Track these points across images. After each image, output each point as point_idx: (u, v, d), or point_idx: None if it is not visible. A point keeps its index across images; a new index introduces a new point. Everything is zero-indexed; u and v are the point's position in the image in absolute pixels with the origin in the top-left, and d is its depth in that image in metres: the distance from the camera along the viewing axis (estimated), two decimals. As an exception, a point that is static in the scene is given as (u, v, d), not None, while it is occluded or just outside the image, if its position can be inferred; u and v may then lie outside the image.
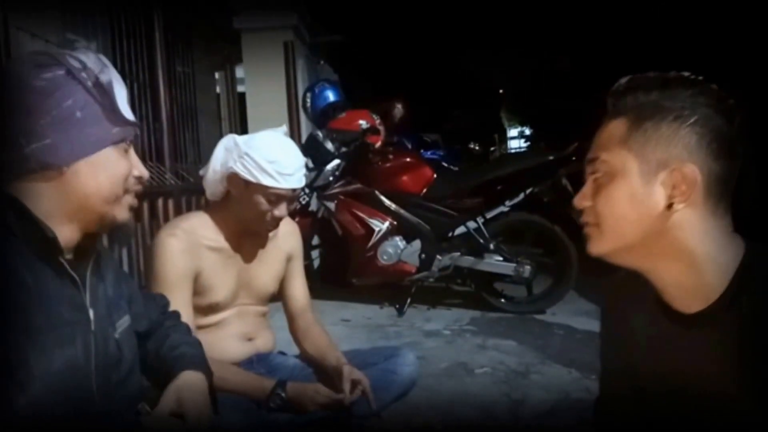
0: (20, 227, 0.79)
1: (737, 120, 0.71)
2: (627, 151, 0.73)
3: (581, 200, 0.78)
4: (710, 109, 0.70)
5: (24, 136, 0.78)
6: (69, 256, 0.84)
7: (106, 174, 0.84)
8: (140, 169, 0.90)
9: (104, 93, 0.83)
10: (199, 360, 1.05)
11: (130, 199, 0.89)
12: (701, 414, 0.72)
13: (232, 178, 1.43)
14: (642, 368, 0.80)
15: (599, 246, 0.77)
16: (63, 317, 0.81)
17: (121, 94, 0.86)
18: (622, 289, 0.86)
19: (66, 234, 0.83)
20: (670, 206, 0.71)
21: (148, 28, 3.30)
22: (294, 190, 1.42)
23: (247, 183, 1.40)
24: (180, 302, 1.34)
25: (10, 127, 0.79)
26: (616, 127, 0.75)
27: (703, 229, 0.71)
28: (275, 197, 1.41)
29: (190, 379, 0.98)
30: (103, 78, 0.84)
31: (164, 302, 1.19)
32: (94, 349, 0.85)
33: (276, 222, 1.46)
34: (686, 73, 0.73)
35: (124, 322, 0.95)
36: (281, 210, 1.43)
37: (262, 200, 1.41)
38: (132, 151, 0.89)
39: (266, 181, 1.38)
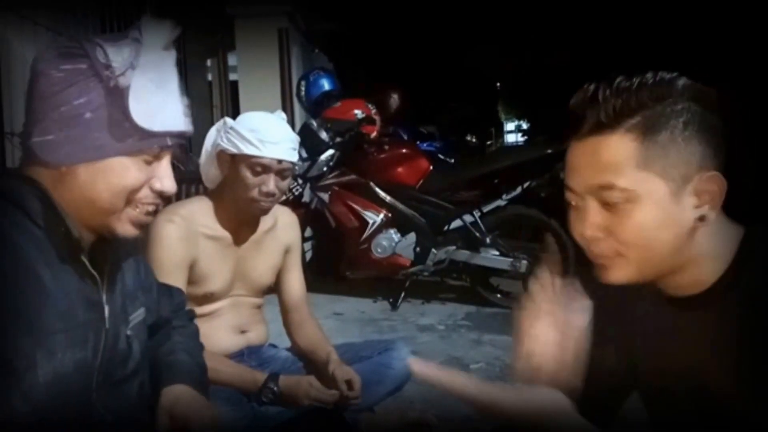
0: (45, 219, 0.76)
1: (722, 110, 0.69)
2: (647, 172, 0.66)
3: (594, 232, 0.70)
4: (699, 106, 0.67)
5: (31, 126, 0.75)
6: (88, 252, 0.81)
7: (107, 184, 0.76)
8: (163, 183, 0.80)
9: (117, 98, 0.74)
10: (191, 371, 0.98)
11: (136, 214, 0.80)
12: (703, 400, 0.72)
13: (221, 156, 1.42)
14: (644, 356, 0.79)
15: (628, 274, 0.71)
16: (78, 317, 0.78)
17: (151, 101, 0.76)
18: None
19: (83, 230, 0.80)
20: (701, 218, 0.68)
21: (138, 13, 3.23)
22: (280, 161, 1.38)
23: (233, 157, 1.39)
24: None
25: (26, 114, 0.76)
26: (619, 146, 0.66)
27: (716, 227, 0.70)
28: (260, 167, 1.37)
29: (177, 395, 0.92)
30: (122, 81, 0.74)
31: (180, 300, 1.13)
32: (103, 346, 0.81)
33: (267, 199, 1.40)
34: (666, 73, 0.68)
35: (138, 315, 0.90)
36: (269, 184, 1.38)
37: (248, 173, 1.37)
38: (162, 163, 0.79)
39: (248, 149, 1.36)
